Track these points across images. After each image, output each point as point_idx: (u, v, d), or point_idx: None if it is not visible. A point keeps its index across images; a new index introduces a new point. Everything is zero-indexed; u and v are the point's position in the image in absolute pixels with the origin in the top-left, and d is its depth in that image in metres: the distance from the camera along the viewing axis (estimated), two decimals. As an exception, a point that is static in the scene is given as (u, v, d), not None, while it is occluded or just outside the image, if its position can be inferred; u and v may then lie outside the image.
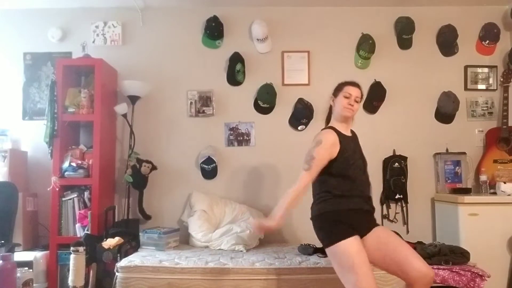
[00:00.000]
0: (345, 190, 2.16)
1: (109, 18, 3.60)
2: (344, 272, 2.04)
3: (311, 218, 2.24)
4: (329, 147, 2.14)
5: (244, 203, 3.45)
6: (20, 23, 3.58)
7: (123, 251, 2.81)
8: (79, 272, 2.55)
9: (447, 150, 3.57)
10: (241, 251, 2.96)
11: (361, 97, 2.30)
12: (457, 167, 3.53)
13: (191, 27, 3.61)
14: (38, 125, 3.36)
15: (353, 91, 2.24)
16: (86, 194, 3.15)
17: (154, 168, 3.37)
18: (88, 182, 3.11)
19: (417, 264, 2.01)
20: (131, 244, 2.99)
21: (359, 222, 2.15)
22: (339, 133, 2.21)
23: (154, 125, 3.56)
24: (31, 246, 3.22)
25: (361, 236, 2.14)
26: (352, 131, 2.36)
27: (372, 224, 2.24)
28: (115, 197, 3.49)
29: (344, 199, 2.16)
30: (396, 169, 3.46)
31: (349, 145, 2.22)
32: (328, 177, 2.19)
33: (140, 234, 3.09)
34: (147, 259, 2.67)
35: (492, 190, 3.33)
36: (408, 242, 3.23)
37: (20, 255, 2.93)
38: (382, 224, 3.40)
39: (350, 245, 2.04)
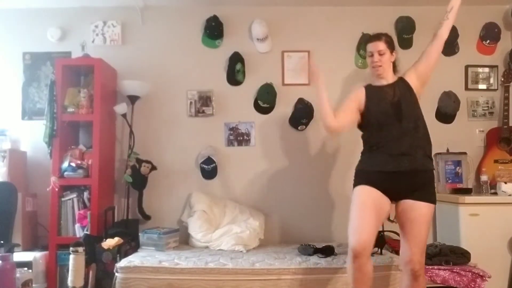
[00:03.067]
0: (374, 143, 2.26)
1: (108, 17, 3.59)
2: (350, 211, 2.21)
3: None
4: (353, 99, 2.34)
5: (244, 203, 3.44)
6: (19, 23, 3.57)
7: (122, 251, 2.81)
8: (79, 273, 2.55)
9: (447, 150, 3.56)
10: (241, 251, 2.96)
11: (388, 45, 2.30)
12: (458, 167, 3.52)
13: (191, 26, 3.60)
14: (37, 125, 3.35)
15: (373, 47, 2.28)
16: (86, 194, 3.14)
17: (153, 168, 3.37)
18: (88, 182, 3.10)
19: (409, 249, 2.17)
20: (131, 245, 2.98)
21: (384, 183, 2.19)
22: (369, 87, 2.34)
23: (154, 125, 3.55)
24: (30, 246, 3.21)
25: (394, 198, 2.23)
26: (399, 78, 2.35)
27: (414, 187, 2.19)
28: (114, 197, 3.48)
29: (368, 157, 2.29)
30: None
31: (375, 95, 2.29)
32: (362, 131, 2.37)
33: (139, 234, 3.08)
34: (147, 259, 2.66)
35: (492, 190, 3.33)
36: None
37: (19, 256, 2.91)
38: (382, 224, 3.37)
39: (360, 192, 2.22)
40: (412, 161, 2.18)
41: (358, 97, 2.34)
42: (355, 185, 2.30)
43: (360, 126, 2.38)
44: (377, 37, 2.31)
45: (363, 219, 2.13)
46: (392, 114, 2.22)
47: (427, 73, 2.39)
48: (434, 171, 2.29)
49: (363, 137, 2.39)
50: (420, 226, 2.17)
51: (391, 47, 2.33)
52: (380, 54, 2.25)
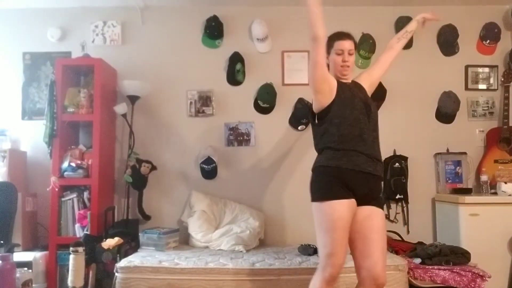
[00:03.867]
0: (346, 140, 2.01)
1: (108, 17, 3.59)
2: (320, 229, 1.99)
3: (311, 170, 2.12)
4: (329, 78, 2.07)
5: (244, 203, 3.44)
6: (19, 23, 3.58)
7: (122, 251, 2.81)
8: (79, 273, 2.55)
9: (447, 150, 3.56)
10: (241, 251, 2.96)
11: (355, 45, 2.16)
12: (458, 167, 3.52)
13: (191, 26, 3.60)
14: (37, 125, 3.35)
15: (344, 45, 2.10)
16: (86, 194, 3.15)
17: (153, 168, 3.37)
18: (88, 182, 3.10)
19: (375, 260, 1.96)
20: (131, 245, 2.99)
21: (358, 185, 2.00)
22: (338, 80, 2.12)
23: (154, 125, 3.55)
24: (30, 246, 3.21)
25: (358, 202, 2.01)
26: (353, 81, 2.22)
27: (375, 194, 2.08)
28: (114, 197, 3.48)
29: (345, 154, 2.00)
30: (396, 169, 3.45)
31: (348, 89, 2.11)
32: (328, 125, 2.05)
33: (139, 234, 3.08)
34: (147, 259, 2.66)
35: (492, 190, 3.32)
36: (409, 243, 3.27)
37: (19, 256, 2.92)
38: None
39: (336, 209, 1.94)
40: (380, 167, 2.09)
41: (331, 79, 2.09)
42: (325, 195, 1.98)
43: (326, 118, 2.06)
44: (347, 35, 2.15)
45: (340, 241, 1.94)
46: (364, 112, 2.08)
47: (377, 83, 2.35)
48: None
49: (328, 132, 2.06)
50: (383, 234, 2.05)
51: (356, 47, 2.22)
52: (350, 54, 2.11)
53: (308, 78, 2.01)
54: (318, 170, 2.08)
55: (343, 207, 1.95)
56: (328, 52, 2.14)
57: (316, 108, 2.11)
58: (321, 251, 1.99)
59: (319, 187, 2.04)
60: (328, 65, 2.15)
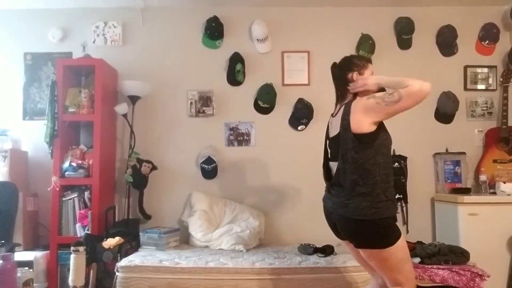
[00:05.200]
0: (391, 182, 1.98)
1: (109, 18, 3.60)
2: (402, 264, 1.97)
3: (360, 220, 1.92)
4: None
5: (244, 203, 3.45)
6: (20, 23, 3.59)
7: (123, 251, 2.82)
8: (80, 272, 2.56)
9: (446, 150, 3.57)
10: (241, 251, 2.97)
11: None
12: (457, 167, 3.53)
13: (191, 27, 3.62)
14: (38, 125, 3.36)
15: (373, 69, 2.13)
16: (87, 194, 3.15)
17: (154, 168, 3.38)
18: (88, 182, 3.11)
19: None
20: (131, 244, 2.99)
21: None
22: None
23: (154, 125, 3.56)
24: (31, 246, 3.22)
25: None
26: None
27: None
28: (115, 197, 3.50)
29: (392, 200, 1.99)
30: (395, 169, 3.46)
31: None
32: (375, 165, 1.92)
33: (140, 234, 3.09)
34: (147, 259, 2.67)
35: (491, 190, 3.34)
36: (408, 242, 3.27)
37: (20, 255, 2.93)
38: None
39: (404, 240, 2.00)
40: None
41: None
42: (396, 235, 1.94)
43: (375, 145, 1.95)
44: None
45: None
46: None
47: None
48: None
49: (380, 165, 1.93)
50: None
51: None
52: None
53: (392, 108, 1.93)
54: (378, 223, 1.94)
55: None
56: (360, 72, 2.09)
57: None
58: (408, 277, 2.00)
59: (387, 234, 1.95)
60: (347, 82, 2.11)
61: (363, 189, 1.92)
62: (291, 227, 3.49)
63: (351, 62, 2.12)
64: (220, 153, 3.51)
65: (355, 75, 2.09)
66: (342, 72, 2.13)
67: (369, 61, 2.16)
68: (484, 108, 3.64)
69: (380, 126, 2.00)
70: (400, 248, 1.96)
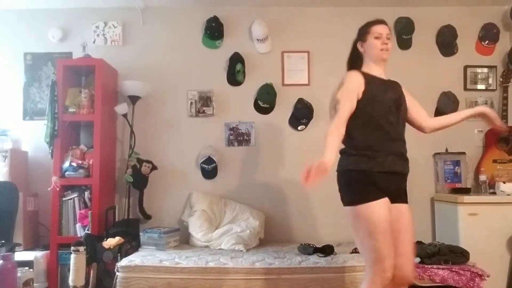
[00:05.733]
0: (372, 143, 1.95)
1: (109, 18, 3.60)
2: (362, 236, 1.89)
3: (336, 171, 2.02)
4: (355, 86, 1.98)
5: (244, 203, 3.45)
6: (20, 23, 3.59)
7: (123, 250, 2.82)
8: (80, 272, 2.56)
9: (446, 150, 3.57)
10: (241, 250, 2.97)
11: (390, 33, 2.09)
12: (457, 167, 3.53)
13: (191, 27, 3.62)
14: (38, 125, 3.36)
15: (382, 29, 2.06)
16: (87, 194, 3.16)
17: (154, 168, 3.38)
18: (89, 182, 3.12)
19: (405, 266, 1.93)
20: (132, 244, 2.99)
21: (390, 185, 1.95)
22: (365, 74, 2.04)
23: (154, 125, 3.57)
24: (31, 246, 3.22)
25: (391, 200, 1.95)
26: (391, 80, 2.13)
27: (402, 191, 2.03)
28: (115, 197, 3.50)
29: (372, 156, 1.94)
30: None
31: (379, 86, 2.02)
32: (353, 127, 1.97)
33: (140, 233, 3.09)
34: (148, 258, 2.67)
35: (491, 190, 3.34)
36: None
37: (20, 255, 2.93)
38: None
39: (377, 210, 1.86)
40: (408, 165, 2.06)
41: (358, 85, 2.01)
42: (360, 197, 1.90)
43: (356, 114, 1.99)
44: (383, 21, 2.11)
45: (390, 246, 1.87)
46: (394, 111, 2.01)
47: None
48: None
49: (351, 137, 2.00)
50: (412, 232, 2.01)
51: None
52: (388, 38, 2.06)
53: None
54: (343, 174, 2.00)
55: (382, 206, 1.90)
56: (363, 39, 2.11)
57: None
58: (369, 257, 1.90)
59: (350, 190, 1.97)
60: (353, 54, 2.20)
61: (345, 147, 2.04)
62: (291, 227, 3.49)
63: (357, 33, 2.17)
64: (220, 153, 3.51)
65: (359, 45, 2.13)
66: (353, 46, 2.18)
67: (374, 23, 2.10)
68: (484, 108, 3.64)
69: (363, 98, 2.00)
70: (362, 215, 1.88)
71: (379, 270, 1.86)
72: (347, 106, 1.95)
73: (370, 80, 2.03)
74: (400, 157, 2.01)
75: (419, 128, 2.23)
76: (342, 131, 1.92)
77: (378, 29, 2.07)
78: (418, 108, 2.20)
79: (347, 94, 1.98)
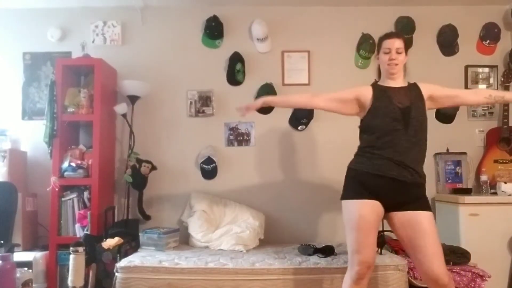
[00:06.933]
0: (373, 146, 2.11)
1: (108, 17, 3.59)
2: (346, 228, 2.14)
3: None
4: (354, 92, 2.22)
5: (244, 203, 3.44)
6: (19, 23, 3.58)
7: (122, 251, 2.81)
8: (79, 273, 2.55)
9: (447, 150, 3.56)
10: (241, 251, 2.96)
11: (405, 44, 2.17)
12: (458, 167, 3.52)
13: (191, 27, 3.61)
14: (37, 125, 3.35)
15: (391, 44, 2.14)
16: (86, 194, 3.15)
17: (153, 168, 3.37)
18: (88, 182, 3.11)
19: (431, 263, 2.00)
20: (131, 244, 2.98)
21: (382, 189, 2.07)
22: (377, 86, 2.21)
23: (154, 125, 3.55)
24: (30, 246, 3.22)
25: (386, 208, 2.09)
26: (410, 83, 2.23)
27: (412, 199, 2.07)
28: (114, 197, 3.49)
29: (370, 157, 2.12)
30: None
31: (386, 98, 2.13)
32: (361, 132, 2.24)
33: (139, 234, 3.08)
34: (147, 259, 2.66)
35: (492, 190, 3.33)
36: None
37: (19, 255, 2.92)
38: (382, 224, 3.38)
39: (357, 208, 2.08)
40: (413, 174, 2.08)
41: (363, 94, 2.19)
42: (348, 194, 2.15)
43: (362, 126, 2.24)
44: (396, 34, 2.21)
45: (363, 242, 2.05)
46: (400, 119, 2.07)
47: (441, 104, 2.32)
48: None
49: (362, 138, 2.23)
50: (433, 236, 2.04)
51: (407, 48, 2.21)
52: (398, 52, 2.14)
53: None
54: (347, 170, 2.24)
55: (364, 206, 2.08)
56: (378, 52, 2.25)
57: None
58: (348, 249, 2.14)
59: (345, 185, 2.21)
60: (378, 66, 2.30)
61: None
62: (291, 227, 3.48)
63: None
64: (220, 153, 3.50)
65: (376, 58, 2.30)
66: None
67: (386, 36, 2.21)
68: (485, 108, 3.63)
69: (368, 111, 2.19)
70: (344, 210, 2.14)
71: (352, 263, 2.09)
72: (340, 93, 2.25)
73: (378, 94, 2.17)
74: (399, 164, 2.07)
75: (463, 104, 2.58)
76: (314, 101, 2.31)
77: (387, 43, 2.18)
78: (447, 93, 2.31)
79: (349, 90, 2.25)
